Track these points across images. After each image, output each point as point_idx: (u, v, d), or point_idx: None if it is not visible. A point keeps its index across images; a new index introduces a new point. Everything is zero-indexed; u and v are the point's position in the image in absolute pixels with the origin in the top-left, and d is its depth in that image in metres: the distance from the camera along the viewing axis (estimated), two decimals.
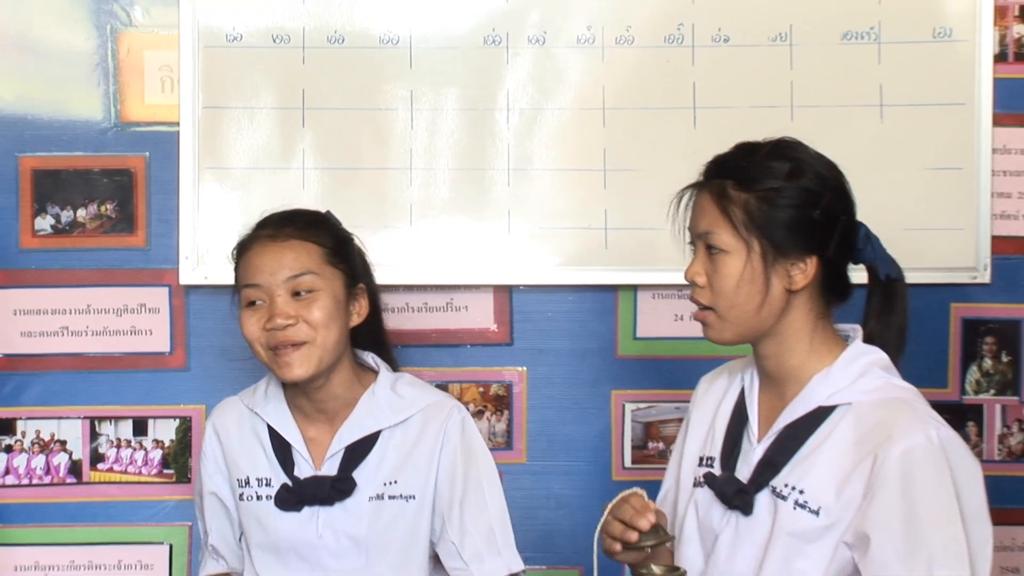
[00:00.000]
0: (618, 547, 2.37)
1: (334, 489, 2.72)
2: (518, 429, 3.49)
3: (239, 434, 2.84)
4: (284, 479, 2.76)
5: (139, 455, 3.45)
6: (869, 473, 2.25)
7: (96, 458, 3.46)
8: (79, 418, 3.46)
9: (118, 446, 3.46)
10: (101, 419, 3.46)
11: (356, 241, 2.88)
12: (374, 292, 2.89)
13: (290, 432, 2.78)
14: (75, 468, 3.46)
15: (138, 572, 3.46)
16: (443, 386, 3.25)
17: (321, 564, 2.74)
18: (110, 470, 3.44)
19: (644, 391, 3.49)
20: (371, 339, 2.88)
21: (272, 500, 2.75)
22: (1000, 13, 3.41)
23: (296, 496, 2.74)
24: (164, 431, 3.46)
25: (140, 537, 3.44)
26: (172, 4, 3.39)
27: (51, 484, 3.45)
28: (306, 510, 2.74)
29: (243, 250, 2.77)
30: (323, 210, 2.89)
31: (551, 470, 3.49)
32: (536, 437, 3.49)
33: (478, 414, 3.41)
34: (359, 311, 2.78)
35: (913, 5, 3.39)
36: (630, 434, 3.49)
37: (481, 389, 3.48)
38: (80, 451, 3.46)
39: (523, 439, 3.49)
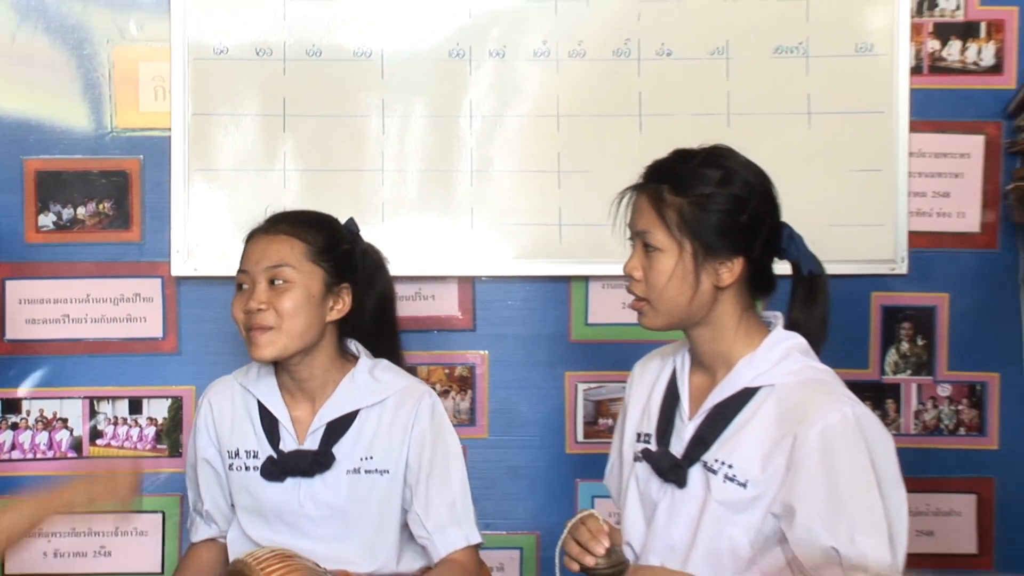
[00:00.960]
0: (576, 566, 2.39)
1: (315, 462, 2.74)
2: (480, 407, 3.52)
3: (231, 410, 2.85)
4: (270, 452, 2.77)
5: (135, 432, 3.48)
6: (791, 449, 2.27)
7: (95, 434, 3.50)
8: (79, 398, 3.49)
9: (115, 423, 3.49)
10: (99, 399, 3.49)
11: (363, 246, 2.89)
12: (384, 291, 2.92)
13: (278, 409, 2.80)
14: (76, 444, 3.50)
15: (134, 538, 3.50)
16: (412, 368, 3.24)
17: (303, 530, 2.75)
18: (108, 445, 3.49)
19: (595, 372, 3.52)
20: (381, 332, 2.92)
21: (258, 471, 2.77)
22: (916, 30, 3.45)
23: (280, 467, 2.76)
24: (157, 409, 3.49)
25: (135, 506, 3.38)
26: (164, 20, 3.41)
27: (54, 458, 3.48)
28: (289, 481, 2.75)
29: (246, 240, 2.81)
30: (347, 217, 2.91)
31: (510, 444, 3.53)
32: (497, 414, 3.53)
33: (444, 394, 3.45)
34: (340, 307, 2.78)
35: (838, 22, 3.42)
36: (582, 411, 3.52)
37: (447, 371, 3.51)
38: (80, 428, 3.49)
39: (485, 416, 3.52)
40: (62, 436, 3.48)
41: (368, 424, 2.79)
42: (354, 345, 2.88)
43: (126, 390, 3.49)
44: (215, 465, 2.87)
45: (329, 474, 2.75)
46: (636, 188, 2.45)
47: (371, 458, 2.77)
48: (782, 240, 2.43)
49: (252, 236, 2.79)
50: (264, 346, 2.70)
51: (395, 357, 2.94)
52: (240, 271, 2.76)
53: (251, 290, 2.72)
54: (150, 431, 3.48)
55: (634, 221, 2.43)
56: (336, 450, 2.76)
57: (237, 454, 2.82)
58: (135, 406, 3.49)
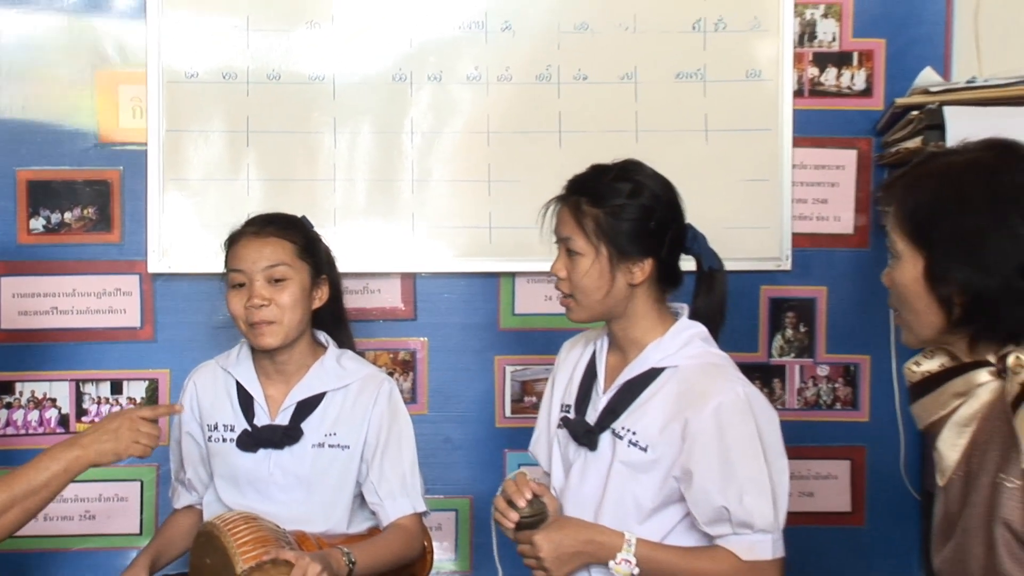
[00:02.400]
0: (504, 521, 2.45)
1: (285, 436, 2.78)
2: (421, 387, 3.57)
3: (213, 389, 2.88)
4: (245, 426, 2.81)
5: (116, 410, 3.47)
6: (687, 422, 2.35)
7: (81, 412, 3.53)
8: (67, 380, 3.52)
9: (99, 403, 3.53)
10: (85, 381, 3.53)
11: (323, 241, 2.93)
12: (336, 281, 2.95)
13: (254, 388, 2.83)
14: (64, 421, 3.53)
15: (115, 503, 3.54)
16: (361, 353, 3.26)
17: (270, 495, 2.79)
18: (92, 422, 3.47)
19: (521, 356, 3.58)
20: (333, 318, 2.95)
21: (234, 443, 2.80)
22: (798, 59, 3.51)
23: (254, 439, 2.79)
24: (136, 390, 3.53)
25: (117, 475, 3.48)
26: (141, 47, 3.45)
27: (44, 434, 3.51)
28: (261, 452, 2.79)
29: (233, 241, 2.83)
30: (299, 215, 2.92)
31: (447, 419, 3.57)
32: (435, 393, 3.58)
33: (388, 375, 3.45)
34: (320, 296, 2.85)
35: (731, 52, 3.47)
36: (509, 390, 3.57)
37: (391, 355, 3.56)
38: (68, 407, 3.53)
39: (425, 395, 3.57)
40: (51, 414, 3.51)
41: (333, 405, 2.83)
42: (323, 336, 2.93)
43: (108, 373, 3.52)
44: (197, 439, 2.89)
45: (296, 447, 2.80)
46: (559, 199, 2.52)
47: (334, 435, 2.82)
48: (687, 240, 2.51)
49: (240, 238, 2.81)
50: (269, 336, 2.74)
51: (347, 337, 2.99)
52: (234, 270, 2.79)
53: (250, 287, 2.75)
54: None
55: (558, 228, 2.51)
56: (304, 426, 2.80)
57: (216, 427, 2.85)
58: (116, 387, 3.52)
